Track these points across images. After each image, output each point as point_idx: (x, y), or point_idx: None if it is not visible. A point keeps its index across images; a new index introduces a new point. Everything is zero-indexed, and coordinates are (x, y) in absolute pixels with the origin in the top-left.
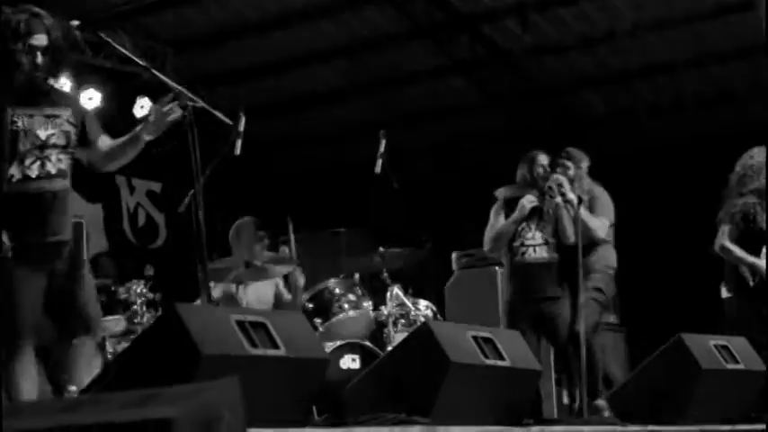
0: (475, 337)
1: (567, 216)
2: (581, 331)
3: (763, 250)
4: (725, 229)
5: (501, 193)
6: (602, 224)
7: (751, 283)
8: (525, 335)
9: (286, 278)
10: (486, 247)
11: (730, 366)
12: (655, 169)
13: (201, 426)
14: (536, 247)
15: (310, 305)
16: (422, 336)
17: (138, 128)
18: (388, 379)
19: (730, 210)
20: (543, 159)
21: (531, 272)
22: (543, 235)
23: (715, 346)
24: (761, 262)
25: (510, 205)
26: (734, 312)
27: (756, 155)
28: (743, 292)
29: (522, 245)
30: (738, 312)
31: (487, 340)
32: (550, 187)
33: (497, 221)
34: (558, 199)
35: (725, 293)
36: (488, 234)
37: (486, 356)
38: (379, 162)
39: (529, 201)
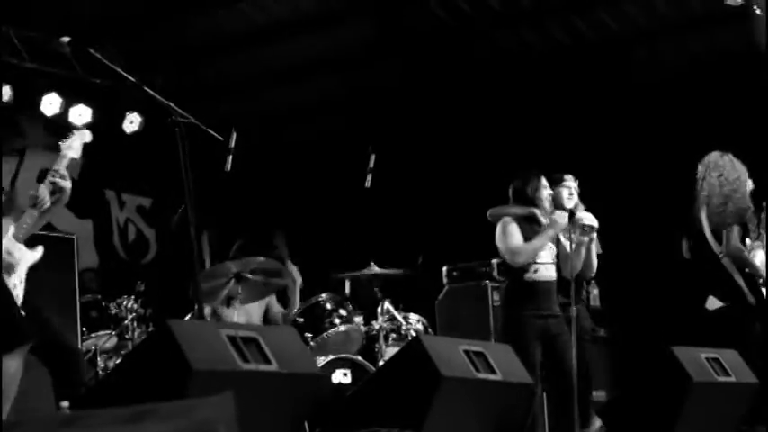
0: (466, 351)
1: (584, 253)
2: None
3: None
4: (734, 231)
5: (503, 211)
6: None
7: (751, 299)
8: (530, 349)
9: (278, 294)
10: (520, 260)
11: (721, 379)
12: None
13: None
14: (547, 265)
15: (301, 320)
16: (413, 350)
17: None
18: (380, 394)
19: (732, 211)
20: (546, 182)
21: (543, 289)
22: (550, 254)
23: (706, 358)
24: (763, 268)
25: (520, 222)
26: (727, 323)
27: (728, 164)
28: (739, 302)
29: (536, 262)
30: (732, 323)
31: (479, 354)
32: (585, 226)
33: (515, 237)
34: (586, 238)
35: (715, 304)
36: (520, 248)
37: (478, 370)
38: (369, 177)
39: (561, 217)
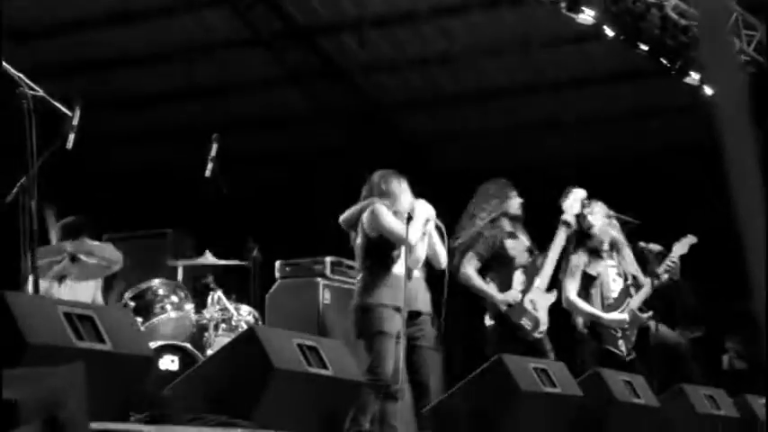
0: (300, 345)
1: (439, 242)
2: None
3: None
4: (469, 255)
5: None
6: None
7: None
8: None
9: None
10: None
11: (548, 389)
12: None
13: (45, 409)
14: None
15: (132, 303)
16: (247, 340)
17: None
18: (210, 381)
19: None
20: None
21: (414, 285)
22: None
23: (534, 368)
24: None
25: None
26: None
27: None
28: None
29: (400, 256)
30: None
31: (312, 348)
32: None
33: (395, 222)
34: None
35: (488, 321)
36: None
37: (310, 364)
38: (210, 166)
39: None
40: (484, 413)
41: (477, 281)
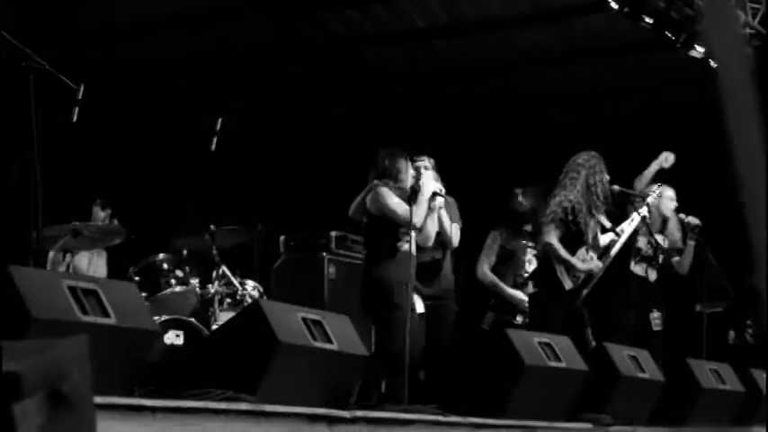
0: (304, 319)
1: (448, 220)
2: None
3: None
4: (551, 226)
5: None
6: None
7: (567, 285)
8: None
9: None
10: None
11: (553, 364)
12: (490, 166)
13: (48, 381)
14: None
15: (137, 278)
16: (252, 314)
17: None
18: (215, 355)
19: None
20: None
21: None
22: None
23: (539, 342)
24: (584, 265)
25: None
26: (534, 307)
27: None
28: (555, 291)
29: (407, 233)
30: (545, 309)
31: (317, 323)
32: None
33: (398, 204)
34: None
35: (530, 289)
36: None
37: (315, 339)
38: (215, 140)
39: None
40: (488, 387)
41: (561, 250)
